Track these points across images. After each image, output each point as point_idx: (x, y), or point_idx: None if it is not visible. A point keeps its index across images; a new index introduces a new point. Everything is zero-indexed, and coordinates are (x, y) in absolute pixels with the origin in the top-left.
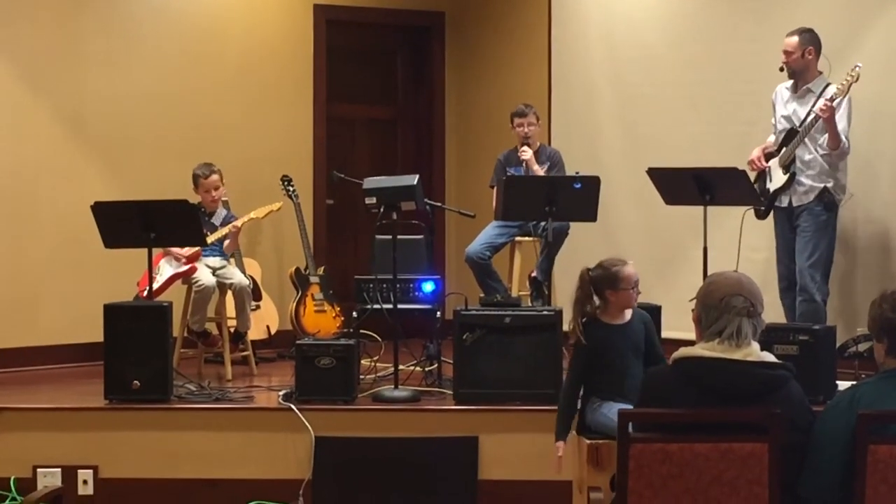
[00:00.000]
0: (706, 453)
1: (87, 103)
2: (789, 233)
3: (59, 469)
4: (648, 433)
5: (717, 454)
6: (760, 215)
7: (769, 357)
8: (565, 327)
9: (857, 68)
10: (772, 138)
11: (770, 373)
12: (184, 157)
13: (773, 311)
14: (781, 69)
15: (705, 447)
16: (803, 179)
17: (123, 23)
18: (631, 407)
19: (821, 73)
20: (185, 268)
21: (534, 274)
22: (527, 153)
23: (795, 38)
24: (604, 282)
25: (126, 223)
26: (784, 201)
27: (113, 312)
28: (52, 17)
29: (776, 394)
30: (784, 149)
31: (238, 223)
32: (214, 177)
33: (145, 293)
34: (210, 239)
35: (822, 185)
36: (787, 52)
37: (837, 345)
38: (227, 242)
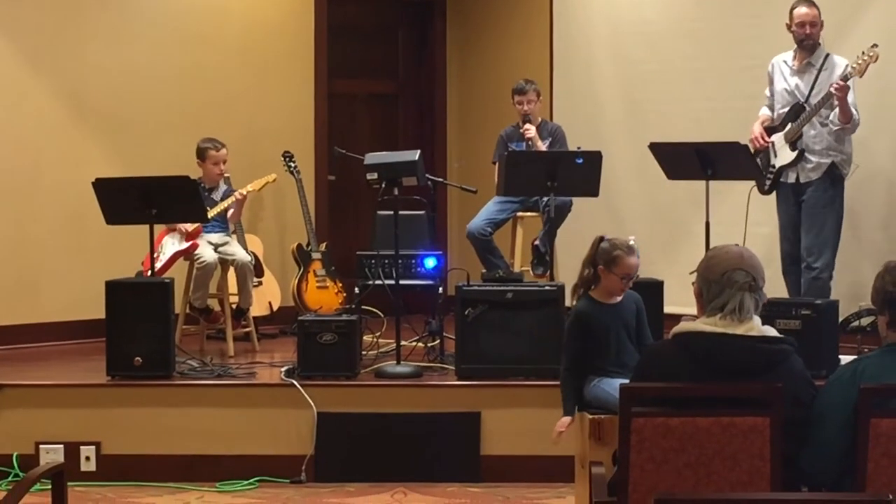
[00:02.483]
0: (708, 427)
1: (87, 80)
2: (794, 208)
3: (62, 445)
4: (650, 407)
5: (718, 428)
6: (764, 191)
7: (771, 331)
8: (567, 303)
9: (875, 48)
10: (764, 110)
11: (771, 347)
12: (185, 133)
13: (777, 287)
14: (802, 41)
15: (707, 421)
16: (810, 156)
17: (121, 2)
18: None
19: (819, 45)
20: (187, 245)
21: (536, 242)
22: (531, 131)
23: (815, 9)
24: (602, 257)
25: (127, 200)
26: (791, 177)
27: (115, 289)
28: None
29: (778, 368)
30: (790, 124)
31: (243, 191)
32: (223, 151)
33: (149, 273)
34: (211, 213)
35: (829, 161)
36: (812, 24)
37: (840, 319)
38: (231, 212)
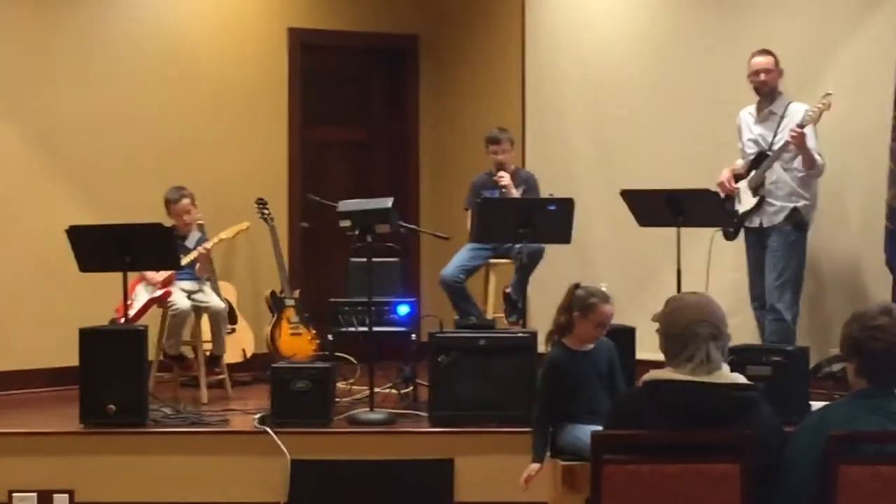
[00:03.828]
0: (678, 474)
1: (59, 125)
2: (760, 252)
3: (35, 494)
4: (621, 455)
5: (688, 475)
6: (729, 236)
7: (739, 379)
8: (540, 349)
9: (829, 96)
10: (740, 162)
11: (740, 394)
12: (158, 179)
13: (748, 331)
14: (759, 89)
15: (677, 468)
16: (773, 200)
17: (96, 45)
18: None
19: (780, 93)
20: (160, 292)
21: (508, 290)
22: (505, 178)
23: (770, 57)
24: (578, 304)
25: (101, 247)
26: (755, 222)
27: (88, 336)
28: (24, 38)
29: (747, 415)
30: (754, 171)
31: (207, 245)
32: (185, 201)
33: (122, 320)
34: (184, 261)
35: (791, 206)
36: (766, 71)
37: (811, 365)
38: (197, 266)
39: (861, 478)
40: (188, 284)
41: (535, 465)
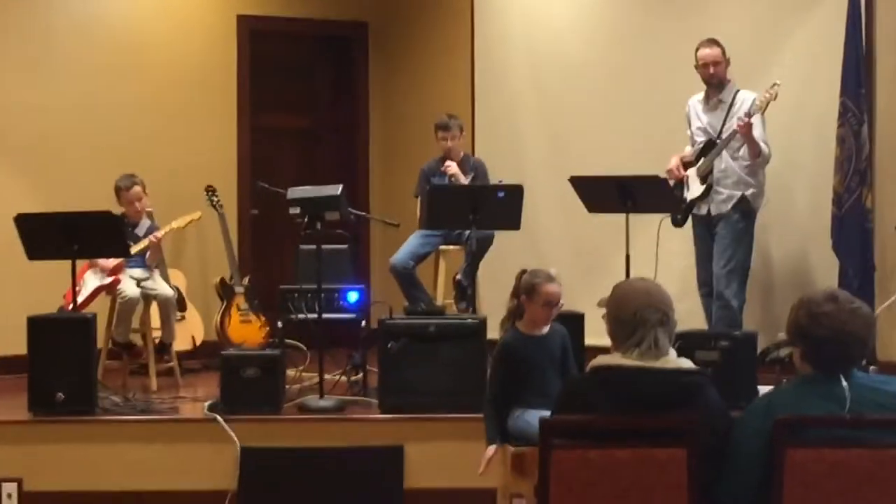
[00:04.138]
0: (626, 459)
1: (7, 114)
2: (708, 239)
3: None
4: (569, 440)
5: (636, 460)
6: (677, 223)
7: (686, 363)
8: (490, 335)
9: (776, 86)
10: (689, 150)
11: (687, 379)
12: (107, 167)
13: (695, 317)
14: (708, 80)
15: (625, 453)
16: (720, 188)
17: (44, 33)
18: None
19: (729, 81)
20: (109, 280)
21: (458, 277)
22: (451, 168)
23: (717, 49)
24: (524, 287)
25: (49, 235)
26: (703, 209)
27: (36, 325)
28: None
29: (694, 400)
30: (702, 159)
31: (158, 234)
32: (136, 188)
33: (70, 307)
34: (132, 250)
35: (739, 194)
36: (714, 63)
37: (758, 350)
38: (147, 254)
39: (807, 461)
40: (137, 272)
41: (492, 448)
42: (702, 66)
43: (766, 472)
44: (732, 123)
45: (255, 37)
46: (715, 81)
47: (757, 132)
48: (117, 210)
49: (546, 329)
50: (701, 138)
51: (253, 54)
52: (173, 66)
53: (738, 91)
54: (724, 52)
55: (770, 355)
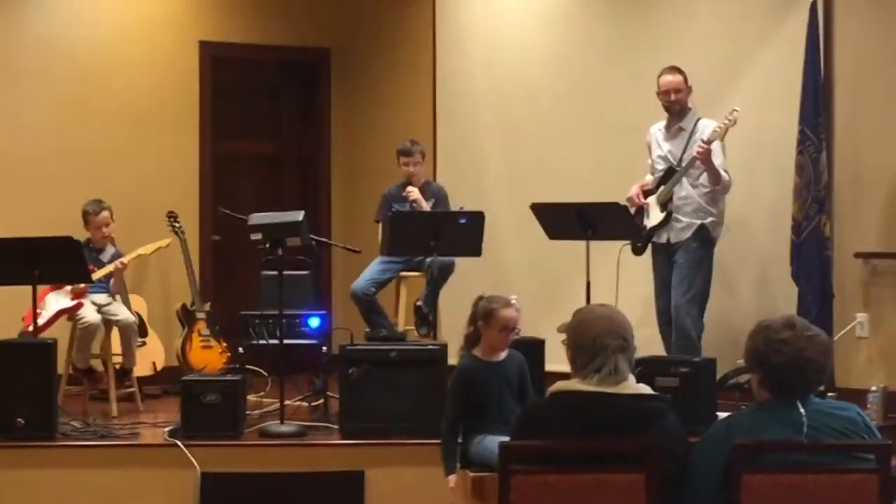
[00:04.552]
0: (586, 484)
1: None
2: (667, 267)
3: None
4: (529, 465)
5: (595, 485)
6: (637, 251)
7: (645, 389)
8: (451, 361)
9: (735, 112)
10: (649, 178)
11: (646, 405)
12: (68, 192)
13: (655, 343)
14: (668, 107)
15: (585, 478)
16: (680, 217)
17: (6, 56)
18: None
19: (690, 109)
20: (72, 303)
21: (419, 303)
22: (413, 193)
23: (679, 76)
24: (481, 314)
25: (10, 260)
26: (663, 237)
27: None
28: None
29: (653, 425)
30: (662, 187)
31: (125, 259)
32: (105, 213)
33: (30, 328)
34: (97, 275)
35: (699, 222)
36: (676, 91)
37: (718, 376)
38: (112, 281)
39: (764, 486)
40: (99, 298)
41: (452, 477)
42: (663, 93)
43: (724, 497)
44: (693, 151)
45: (216, 63)
46: (676, 109)
47: (717, 160)
48: (83, 235)
49: (503, 355)
50: (661, 166)
51: (215, 80)
52: (135, 90)
53: (699, 119)
54: (685, 80)
55: (729, 381)
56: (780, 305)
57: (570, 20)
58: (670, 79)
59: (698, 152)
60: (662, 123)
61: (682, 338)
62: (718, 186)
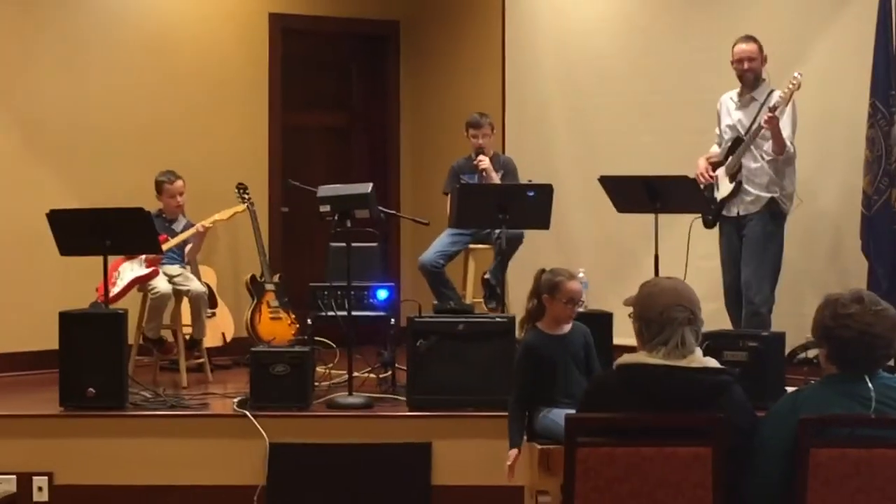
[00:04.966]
0: (651, 457)
1: (41, 110)
2: (736, 241)
3: (14, 476)
4: (595, 437)
5: (661, 458)
6: (708, 224)
7: (712, 362)
8: (519, 334)
9: (798, 77)
10: (715, 148)
11: (713, 378)
12: (139, 163)
13: (723, 317)
14: (742, 76)
15: (650, 451)
16: (750, 188)
17: (77, 31)
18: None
19: (764, 80)
20: (147, 271)
21: (487, 276)
22: (484, 162)
23: (754, 45)
24: (545, 286)
25: (82, 231)
26: (732, 211)
27: (68, 320)
28: (4, 25)
29: (719, 399)
30: (731, 157)
31: (206, 222)
32: (179, 183)
33: (103, 301)
34: (170, 244)
35: (769, 196)
36: (749, 59)
37: (788, 351)
38: (189, 247)
39: (831, 460)
40: (170, 268)
41: (514, 452)
42: (736, 62)
43: (790, 471)
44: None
45: (286, 35)
46: (749, 78)
47: (786, 132)
48: (154, 204)
49: (568, 327)
50: (729, 135)
51: (284, 52)
52: (205, 64)
53: (772, 90)
54: (760, 49)
55: (798, 356)
56: (851, 280)
57: None
58: (745, 47)
59: (765, 120)
60: (735, 92)
61: (753, 313)
62: (782, 156)
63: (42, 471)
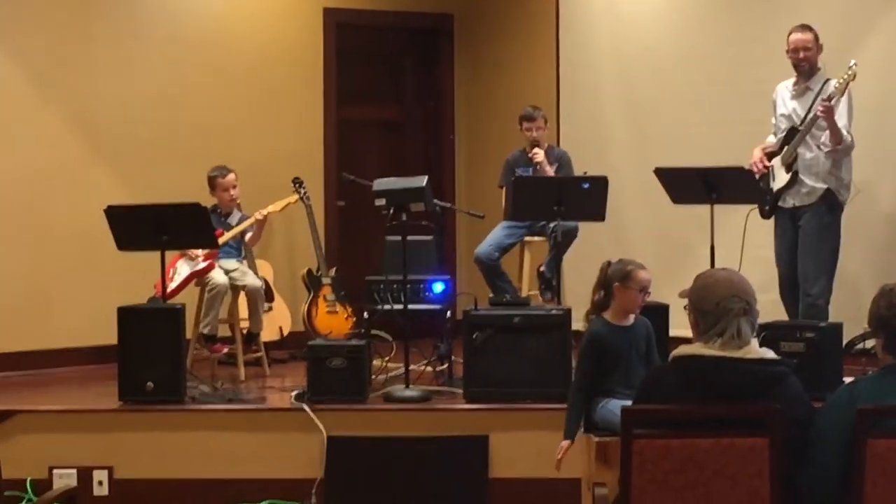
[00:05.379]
0: (708, 448)
1: (98, 107)
2: (791, 232)
3: (75, 470)
4: (651, 429)
5: (718, 449)
6: (765, 214)
7: (768, 353)
8: (574, 326)
9: (854, 66)
10: (771, 138)
11: (769, 369)
12: (195, 159)
13: (780, 310)
14: (797, 66)
15: (707, 442)
16: (806, 180)
17: (134, 27)
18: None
19: (819, 69)
20: (204, 264)
21: (542, 268)
22: (539, 155)
23: (810, 34)
24: (616, 276)
25: (139, 226)
26: (788, 202)
27: (126, 315)
28: (63, 25)
29: (775, 389)
30: (786, 147)
31: (264, 211)
32: (231, 176)
33: (161, 296)
34: (226, 237)
35: (825, 187)
36: (805, 49)
37: (845, 342)
38: (249, 235)
39: (889, 451)
40: (227, 262)
41: (566, 443)
42: (792, 51)
43: (847, 462)
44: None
45: (341, 29)
46: (805, 67)
47: (842, 122)
48: (209, 201)
49: (632, 319)
50: (784, 125)
51: (339, 46)
52: (259, 58)
53: (827, 80)
54: (816, 38)
55: (856, 346)
56: None
57: None
58: (800, 36)
59: (820, 110)
60: (790, 81)
61: (810, 305)
62: (840, 146)
63: (102, 465)
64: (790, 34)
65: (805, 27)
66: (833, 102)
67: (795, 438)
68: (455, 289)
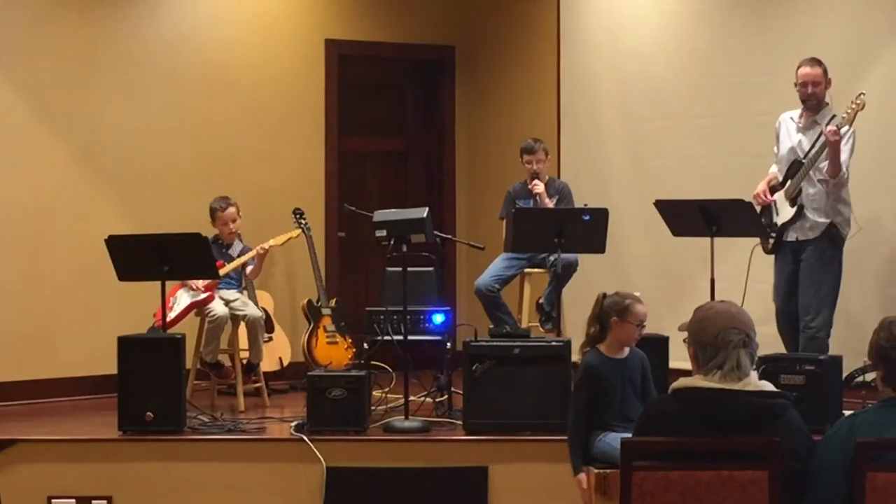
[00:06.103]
0: (707, 481)
1: (100, 138)
2: (791, 266)
3: (74, 500)
4: (651, 461)
5: (718, 482)
6: (769, 250)
7: (767, 386)
8: (574, 358)
9: (863, 96)
10: (773, 168)
11: (769, 402)
12: (197, 190)
13: (777, 344)
14: (805, 100)
15: (707, 475)
16: (809, 215)
17: (136, 58)
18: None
19: (827, 104)
20: (204, 296)
21: (541, 301)
22: (539, 187)
23: (819, 68)
24: (613, 310)
25: (140, 256)
26: (790, 235)
27: (127, 345)
28: (67, 53)
29: (775, 422)
30: (790, 181)
31: (266, 245)
32: (231, 209)
33: (161, 326)
34: (227, 268)
35: (827, 221)
36: (814, 83)
37: (845, 374)
38: (250, 268)
39: (889, 485)
40: (227, 293)
41: (582, 477)
42: (801, 85)
43: (847, 495)
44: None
45: (342, 60)
46: (813, 102)
47: (843, 156)
48: (210, 231)
49: (627, 352)
50: (787, 158)
51: (341, 78)
52: (262, 89)
53: (834, 116)
54: (825, 73)
55: (856, 379)
56: None
57: (696, 15)
58: (809, 70)
59: (829, 132)
60: (795, 113)
61: (810, 338)
62: (835, 178)
63: (101, 495)
64: (799, 67)
65: (815, 61)
66: (842, 131)
67: (796, 471)
68: (455, 320)
